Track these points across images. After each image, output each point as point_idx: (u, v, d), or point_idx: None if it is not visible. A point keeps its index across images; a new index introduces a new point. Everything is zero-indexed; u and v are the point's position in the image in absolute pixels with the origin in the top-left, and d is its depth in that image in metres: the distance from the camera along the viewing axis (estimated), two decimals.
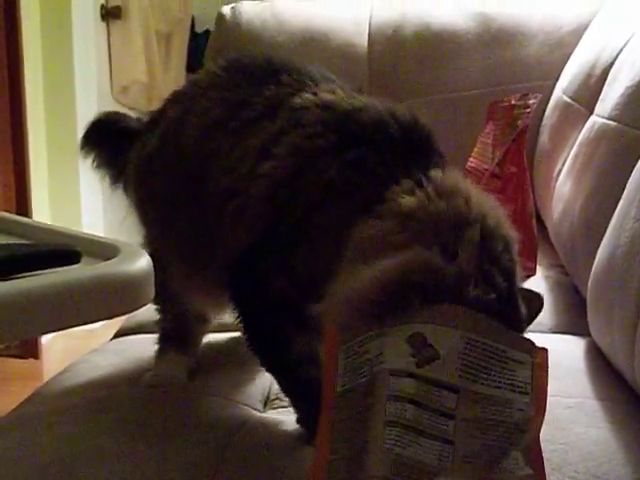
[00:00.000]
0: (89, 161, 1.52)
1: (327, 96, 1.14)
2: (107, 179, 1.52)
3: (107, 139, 1.53)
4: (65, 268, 0.73)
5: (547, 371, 0.89)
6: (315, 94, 1.14)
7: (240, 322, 1.14)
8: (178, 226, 1.24)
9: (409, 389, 0.84)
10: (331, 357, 0.90)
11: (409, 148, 1.04)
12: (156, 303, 1.40)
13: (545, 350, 0.90)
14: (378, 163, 1.02)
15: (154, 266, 1.19)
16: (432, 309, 0.88)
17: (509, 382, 0.87)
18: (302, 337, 1.05)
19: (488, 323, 0.88)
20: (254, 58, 1.27)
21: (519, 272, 0.99)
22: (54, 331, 0.69)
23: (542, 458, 0.85)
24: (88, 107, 3.87)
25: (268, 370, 1.17)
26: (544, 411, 0.87)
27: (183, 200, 1.22)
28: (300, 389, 1.11)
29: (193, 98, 1.24)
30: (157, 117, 1.35)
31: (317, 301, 0.96)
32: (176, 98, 1.31)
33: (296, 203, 1.06)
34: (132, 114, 1.59)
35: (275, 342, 1.10)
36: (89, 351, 1.54)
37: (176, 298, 1.34)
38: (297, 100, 1.12)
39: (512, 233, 1.00)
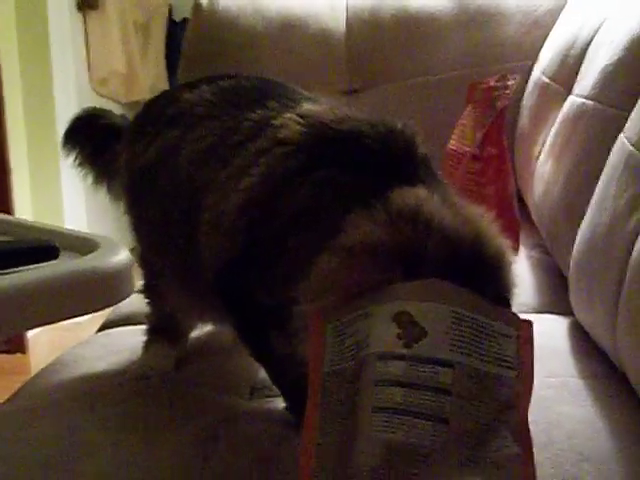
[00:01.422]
0: (71, 159, 1.52)
1: (309, 107, 1.14)
2: (89, 178, 1.51)
3: (89, 136, 1.53)
4: (44, 264, 0.73)
5: (532, 344, 0.88)
6: (294, 109, 1.13)
7: (230, 319, 1.14)
8: (169, 246, 1.24)
9: (397, 372, 0.83)
10: (316, 336, 0.89)
11: (385, 161, 1.02)
12: (146, 297, 1.40)
13: (530, 323, 0.90)
14: (344, 184, 1.00)
15: (146, 269, 1.20)
16: (415, 285, 0.87)
17: (497, 357, 0.86)
18: (287, 333, 1.04)
19: (472, 297, 0.87)
20: (247, 81, 1.27)
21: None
22: (34, 327, 0.68)
23: (530, 436, 0.85)
24: (67, 99, 3.85)
25: (257, 360, 1.17)
26: (531, 387, 0.87)
27: (175, 223, 1.21)
28: (289, 378, 1.12)
29: (190, 126, 1.23)
30: (147, 124, 1.33)
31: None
32: (173, 117, 1.28)
33: (269, 224, 1.05)
34: (112, 105, 1.59)
35: (263, 338, 1.10)
36: (75, 344, 1.54)
37: (166, 299, 1.35)
38: (278, 120, 1.12)
39: (490, 250, 0.94)
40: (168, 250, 1.26)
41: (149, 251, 1.35)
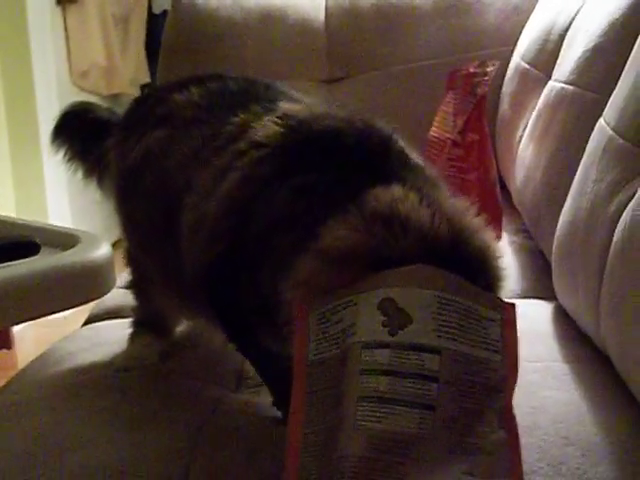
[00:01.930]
0: (59, 154, 1.51)
1: (287, 106, 1.14)
2: (79, 173, 1.51)
3: (79, 131, 1.52)
4: (24, 260, 0.73)
5: (516, 328, 0.88)
6: (275, 111, 1.13)
7: (215, 317, 1.15)
8: (154, 245, 1.25)
9: (383, 360, 0.83)
10: (300, 324, 0.89)
11: (362, 159, 1.01)
12: (133, 293, 1.41)
13: (513, 306, 0.89)
14: (321, 189, 0.99)
15: (136, 271, 1.19)
16: (400, 271, 0.86)
17: (483, 340, 0.85)
18: (272, 330, 1.04)
19: (457, 280, 0.87)
20: (234, 84, 1.26)
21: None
22: (17, 323, 0.68)
23: (515, 421, 0.85)
24: (47, 93, 3.83)
25: (244, 355, 1.17)
26: (516, 370, 0.86)
27: (158, 224, 1.21)
28: (276, 373, 1.12)
29: (177, 128, 1.23)
30: (137, 122, 1.33)
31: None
32: (161, 117, 1.28)
33: (250, 228, 1.04)
34: (93, 99, 1.59)
35: (249, 336, 1.10)
36: (61, 338, 1.54)
37: (153, 296, 1.36)
38: (259, 122, 1.12)
39: (470, 247, 0.92)
40: (153, 250, 1.27)
41: (136, 249, 1.35)
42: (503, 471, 0.82)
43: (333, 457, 0.82)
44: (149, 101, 1.37)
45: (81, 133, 1.51)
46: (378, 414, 0.81)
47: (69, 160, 1.51)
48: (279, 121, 1.10)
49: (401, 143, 1.06)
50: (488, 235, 0.94)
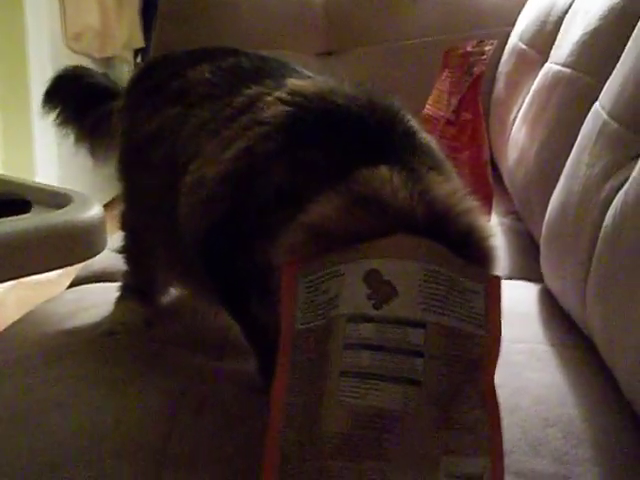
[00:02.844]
0: (50, 117, 1.51)
1: (294, 82, 1.13)
2: (70, 137, 1.50)
3: (72, 96, 1.51)
4: (15, 217, 0.72)
5: (500, 301, 0.87)
6: (284, 86, 1.13)
7: (209, 280, 1.15)
8: (160, 216, 1.24)
9: (366, 334, 0.82)
10: (288, 291, 0.88)
11: (363, 137, 1.00)
12: (125, 258, 1.41)
13: (498, 278, 0.88)
14: (318, 166, 0.99)
15: (132, 237, 1.19)
16: (385, 241, 0.86)
17: (467, 314, 0.84)
18: (266, 295, 1.04)
19: (442, 251, 0.86)
20: (247, 61, 1.27)
21: None
22: (5, 280, 0.68)
23: (496, 399, 0.84)
24: (40, 54, 3.81)
25: (236, 321, 1.17)
26: (499, 345, 0.85)
27: (165, 193, 1.21)
28: (265, 339, 1.12)
29: (191, 106, 1.23)
30: (150, 92, 1.33)
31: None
32: (176, 93, 1.28)
33: (247, 197, 1.05)
34: (85, 61, 1.58)
35: (241, 300, 1.10)
36: (46, 300, 1.53)
37: (148, 262, 1.36)
38: (267, 98, 1.12)
39: (456, 229, 0.90)
40: (156, 218, 1.26)
41: (138, 216, 1.35)
42: (482, 449, 0.82)
43: (314, 431, 0.81)
44: (160, 71, 1.36)
45: (75, 97, 1.51)
46: (361, 390, 0.80)
47: (61, 124, 1.50)
48: (286, 97, 1.09)
49: (408, 122, 1.05)
50: (478, 216, 0.93)
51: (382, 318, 0.83)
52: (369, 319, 0.83)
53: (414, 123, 1.06)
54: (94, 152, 1.50)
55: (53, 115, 1.51)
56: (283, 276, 0.90)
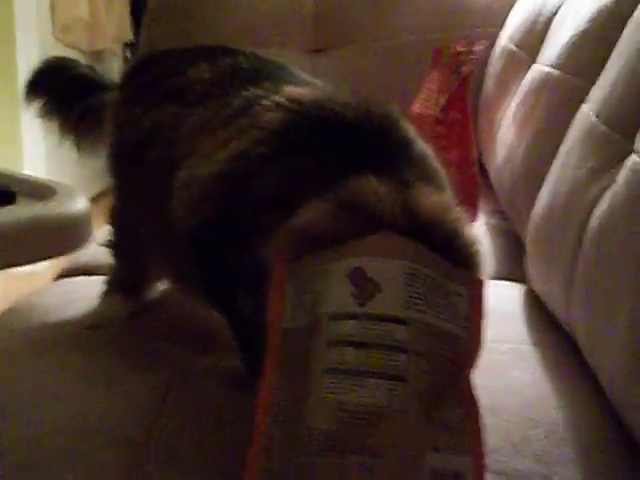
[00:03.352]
0: (34, 109, 1.50)
1: (292, 89, 1.14)
2: (54, 129, 1.50)
3: (56, 87, 1.51)
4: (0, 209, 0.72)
5: (482, 304, 0.87)
6: (283, 91, 1.13)
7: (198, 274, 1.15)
8: (152, 212, 1.24)
9: (350, 331, 0.82)
10: (278, 290, 0.89)
11: (357, 145, 1.01)
12: (112, 253, 1.41)
13: (481, 281, 0.89)
14: (310, 173, 1.00)
15: (121, 233, 1.19)
16: (370, 240, 0.87)
17: (451, 315, 0.85)
18: (254, 291, 1.04)
19: (426, 253, 0.86)
20: (245, 61, 1.27)
21: None
22: None
23: (475, 399, 0.84)
24: (28, 46, 3.80)
25: (222, 314, 1.17)
26: (479, 348, 0.86)
27: (163, 190, 1.21)
28: (250, 333, 1.12)
29: (188, 105, 1.23)
30: (146, 88, 1.32)
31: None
32: (174, 90, 1.27)
33: (240, 199, 1.06)
34: (74, 54, 1.58)
35: (229, 294, 1.11)
36: (31, 292, 1.53)
37: (134, 258, 1.36)
38: (265, 101, 1.12)
39: (438, 238, 0.90)
40: (148, 215, 1.26)
41: (129, 212, 1.34)
42: (466, 447, 0.82)
43: (299, 429, 0.81)
44: (158, 66, 1.36)
45: (60, 89, 1.50)
46: (344, 386, 0.80)
47: (45, 115, 1.50)
48: (283, 103, 1.10)
49: (404, 131, 1.05)
50: (463, 225, 0.94)
51: (365, 315, 0.83)
52: (352, 316, 0.83)
53: (411, 133, 1.06)
54: (79, 145, 1.50)
55: (36, 106, 1.50)
56: (273, 276, 0.90)
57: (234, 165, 1.08)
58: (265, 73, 1.22)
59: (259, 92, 1.15)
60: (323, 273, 0.87)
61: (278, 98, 1.12)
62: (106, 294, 1.38)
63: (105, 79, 1.53)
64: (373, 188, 0.93)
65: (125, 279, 1.39)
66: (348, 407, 0.80)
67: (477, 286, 0.88)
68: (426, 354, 0.82)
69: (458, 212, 0.95)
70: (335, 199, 0.93)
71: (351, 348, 0.82)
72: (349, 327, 0.83)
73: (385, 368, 0.81)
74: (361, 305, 0.83)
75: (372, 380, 0.80)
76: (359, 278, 0.84)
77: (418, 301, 0.84)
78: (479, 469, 0.82)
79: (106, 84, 1.50)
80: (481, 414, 0.84)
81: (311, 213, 0.93)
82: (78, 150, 1.51)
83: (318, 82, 1.23)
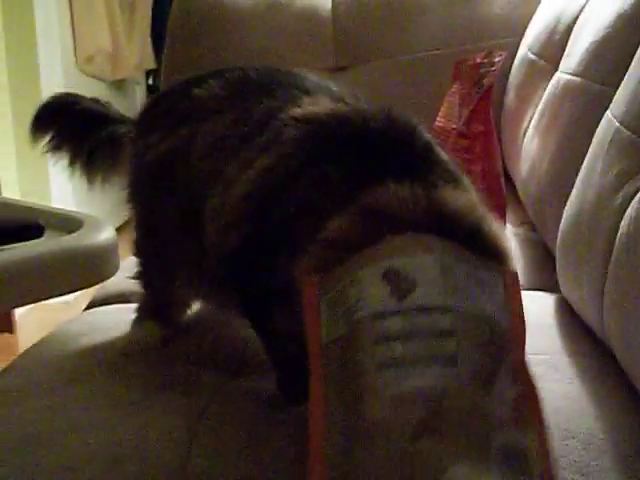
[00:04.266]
0: (39, 143, 1.53)
1: (309, 109, 1.13)
2: (65, 161, 1.52)
3: (64, 122, 1.53)
4: (28, 242, 0.72)
5: (519, 290, 0.87)
6: (300, 107, 1.13)
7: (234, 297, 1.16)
8: (180, 238, 1.26)
9: (395, 326, 0.82)
10: (312, 310, 0.89)
11: (381, 154, 1.02)
12: (141, 283, 1.41)
13: (515, 272, 0.89)
14: (337, 182, 1.00)
15: (148, 261, 1.19)
16: (398, 240, 0.87)
17: (489, 301, 0.85)
18: (289, 310, 1.04)
19: (455, 246, 0.87)
20: (254, 73, 1.27)
21: None
22: (19, 306, 0.68)
23: (530, 373, 0.84)
24: (52, 78, 3.83)
25: (259, 335, 1.17)
26: (524, 330, 0.86)
27: (186, 215, 1.22)
28: (287, 353, 1.12)
29: (200, 122, 1.24)
30: (160, 116, 1.34)
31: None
32: (184, 114, 1.29)
33: (270, 216, 1.06)
34: (98, 84, 1.60)
35: (266, 314, 1.11)
36: (63, 322, 1.54)
37: (166, 287, 1.36)
38: (282, 115, 1.12)
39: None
40: (175, 241, 1.27)
41: (155, 239, 1.34)
42: (527, 424, 0.81)
43: (359, 428, 0.80)
44: (170, 97, 1.37)
45: (66, 124, 1.52)
46: (399, 378, 0.80)
47: (52, 150, 1.52)
48: (302, 116, 1.10)
49: (426, 138, 1.06)
50: (490, 221, 0.94)
51: (407, 309, 0.83)
52: (395, 312, 0.83)
53: (432, 139, 1.07)
54: (90, 178, 1.52)
55: (43, 140, 1.53)
56: (305, 297, 0.90)
57: (261, 183, 1.08)
58: (275, 81, 1.23)
59: (274, 104, 1.15)
60: (355, 280, 0.87)
61: (296, 111, 1.12)
62: (137, 321, 1.39)
63: (112, 111, 1.54)
64: (400, 192, 0.93)
65: (156, 305, 1.40)
66: (405, 396, 0.79)
67: (511, 275, 0.88)
68: (472, 338, 0.82)
69: (484, 210, 0.95)
70: (361, 206, 0.94)
71: (397, 342, 0.82)
72: (393, 322, 0.83)
73: (436, 354, 0.81)
74: (401, 300, 0.83)
75: (424, 368, 0.80)
76: (394, 277, 0.85)
77: (455, 290, 0.84)
78: (546, 443, 0.81)
79: (114, 116, 1.51)
80: (540, 396, 0.83)
81: (338, 223, 0.94)
82: (88, 183, 1.53)
83: (330, 84, 1.22)
